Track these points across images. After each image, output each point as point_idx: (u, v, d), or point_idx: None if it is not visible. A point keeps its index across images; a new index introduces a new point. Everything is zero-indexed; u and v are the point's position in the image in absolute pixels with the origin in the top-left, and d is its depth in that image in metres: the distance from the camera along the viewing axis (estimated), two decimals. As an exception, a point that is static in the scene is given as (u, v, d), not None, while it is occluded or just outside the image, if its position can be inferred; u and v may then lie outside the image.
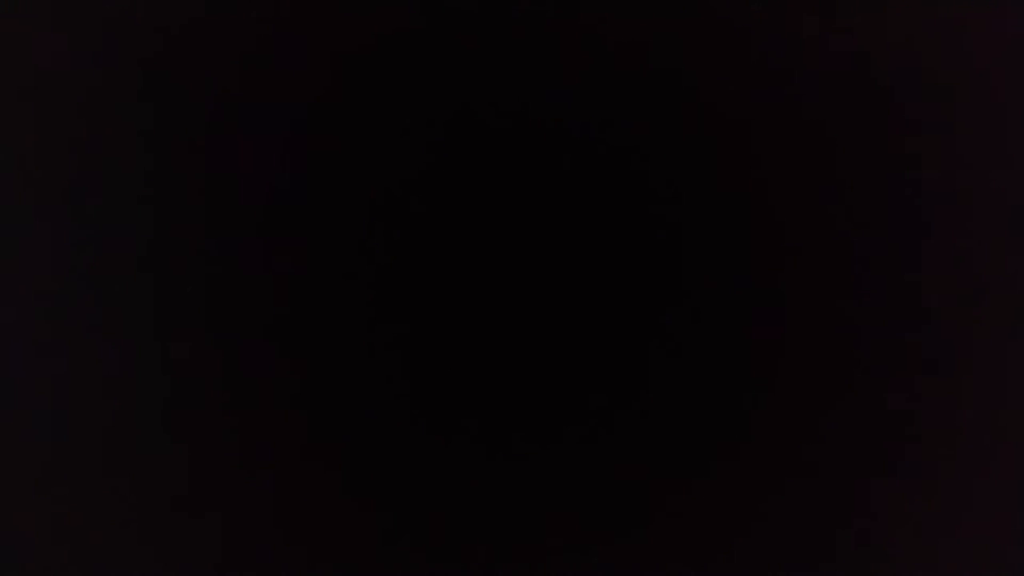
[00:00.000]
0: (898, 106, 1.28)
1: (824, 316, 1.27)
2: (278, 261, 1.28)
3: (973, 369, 1.27)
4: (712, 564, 1.26)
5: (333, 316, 1.28)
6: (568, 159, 1.28)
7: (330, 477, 1.27)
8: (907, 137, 1.28)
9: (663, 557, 1.26)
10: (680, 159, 1.28)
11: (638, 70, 1.29)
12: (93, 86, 1.29)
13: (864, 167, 1.28)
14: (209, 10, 1.29)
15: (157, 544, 1.27)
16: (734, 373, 1.27)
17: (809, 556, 1.26)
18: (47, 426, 1.27)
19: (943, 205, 1.28)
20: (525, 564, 1.27)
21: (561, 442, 1.27)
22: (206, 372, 1.27)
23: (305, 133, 1.29)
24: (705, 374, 1.27)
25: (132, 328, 1.28)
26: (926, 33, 1.29)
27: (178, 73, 1.29)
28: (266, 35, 1.29)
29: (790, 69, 1.29)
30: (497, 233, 1.28)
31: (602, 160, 1.28)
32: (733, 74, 1.29)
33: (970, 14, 1.29)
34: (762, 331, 1.27)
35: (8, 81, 1.29)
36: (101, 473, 1.27)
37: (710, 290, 1.27)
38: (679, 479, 1.26)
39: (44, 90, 1.30)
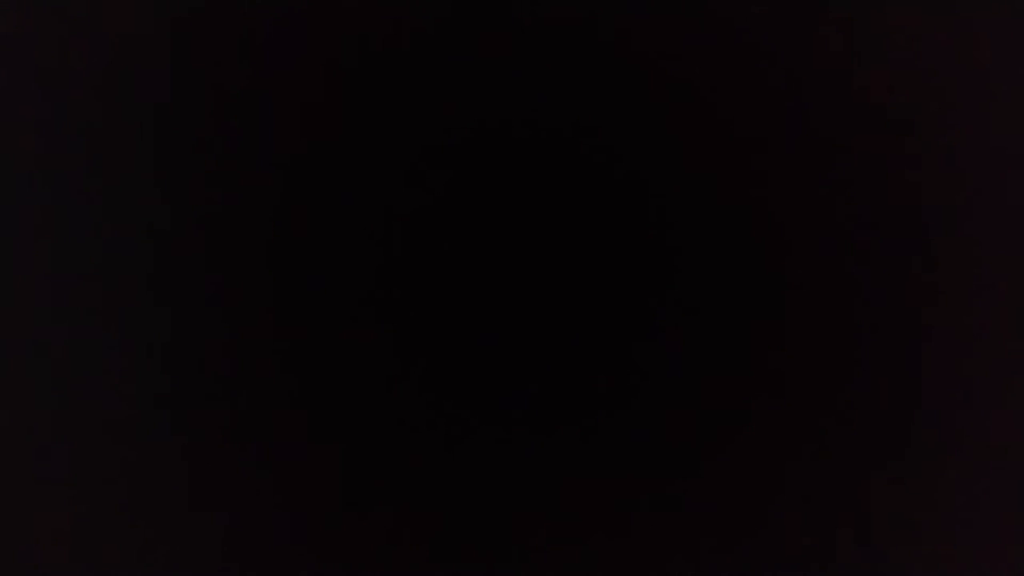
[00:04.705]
0: (898, 107, 1.29)
1: (824, 316, 1.27)
2: (279, 261, 1.28)
3: (973, 369, 1.27)
4: (712, 564, 1.26)
5: (334, 316, 1.28)
6: (568, 160, 1.28)
7: (330, 476, 1.27)
8: (907, 137, 1.28)
9: (663, 556, 1.27)
10: (680, 160, 1.28)
11: (638, 71, 1.29)
12: (93, 86, 1.30)
13: (864, 168, 1.28)
14: (211, 12, 1.29)
15: (157, 543, 1.27)
16: (734, 372, 1.27)
17: (809, 556, 1.26)
18: (48, 425, 1.28)
19: (943, 205, 1.28)
20: (525, 563, 1.27)
21: (562, 441, 1.27)
22: (207, 373, 1.27)
23: (307, 134, 1.29)
24: (705, 374, 1.27)
25: (133, 328, 1.28)
26: (926, 33, 1.29)
27: (180, 74, 1.29)
28: (267, 37, 1.30)
29: (790, 70, 1.29)
30: (498, 234, 1.28)
31: (602, 161, 1.28)
32: (733, 75, 1.29)
33: (970, 14, 1.29)
34: (762, 331, 1.27)
35: (8, 81, 1.29)
36: (101, 472, 1.27)
37: (710, 290, 1.27)
38: (679, 479, 1.27)
39: (44, 90, 1.30)
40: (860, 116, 1.28)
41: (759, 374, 1.27)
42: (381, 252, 1.28)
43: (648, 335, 1.27)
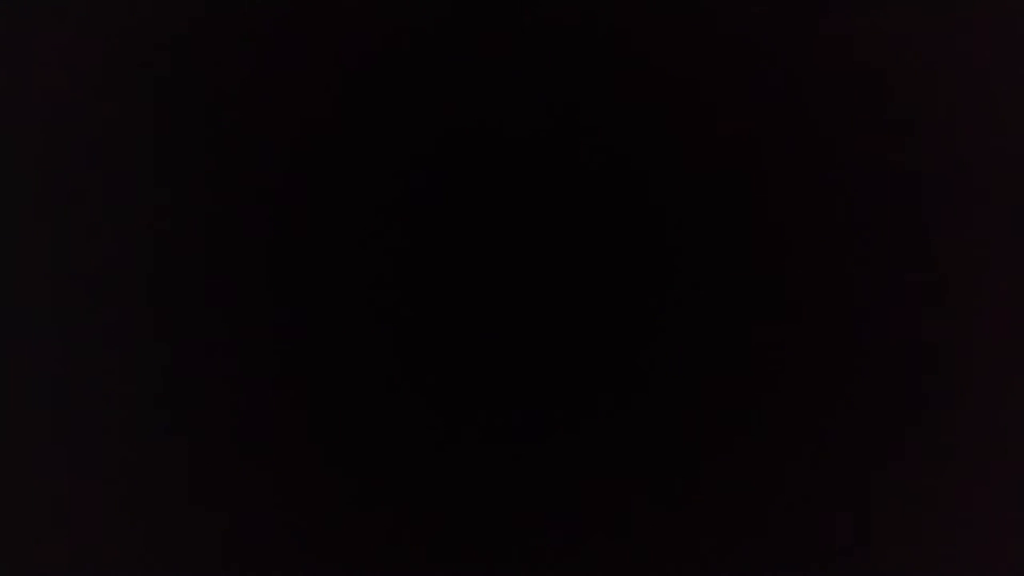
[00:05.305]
0: (898, 106, 1.28)
1: (824, 316, 1.27)
2: (279, 262, 1.28)
3: (973, 369, 1.27)
4: (712, 564, 1.26)
5: (334, 317, 1.28)
6: (568, 160, 1.28)
7: (330, 477, 1.27)
8: (907, 137, 1.28)
9: (663, 557, 1.26)
10: (681, 160, 1.28)
11: (638, 71, 1.29)
12: (94, 86, 1.30)
13: (864, 167, 1.28)
14: (211, 13, 1.29)
15: (158, 544, 1.27)
16: (734, 372, 1.27)
17: (809, 556, 1.26)
18: (47, 425, 1.28)
19: (943, 205, 1.28)
20: (525, 564, 1.27)
21: (562, 441, 1.27)
22: (208, 373, 1.27)
23: (307, 135, 1.29)
24: (704, 374, 1.27)
25: (134, 328, 1.28)
26: (926, 33, 1.29)
27: (181, 77, 1.29)
28: (268, 38, 1.30)
29: (790, 70, 1.29)
30: (499, 235, 1.28)
31: (603, 162, 1.28)
32: (734, 75, 1.29)
33: (970, 14, 1.29)
34: (762, 331, 1.27)
35: (8, 81, 1.29)
36: (101, 472, 1.27)
37: (711, 290, 1.27)
38: (678, 479, 1.27)
39: (44, 90, 1.30)
40: (860, 116, 1.28)
41: (759, 374, 1.27)
42: (382, 252, 1.28)
43: (648, 335, 1.27)
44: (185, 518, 1.27)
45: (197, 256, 1.28)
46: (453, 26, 1.29)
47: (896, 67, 1.29)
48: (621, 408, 1.27)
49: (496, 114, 1.29)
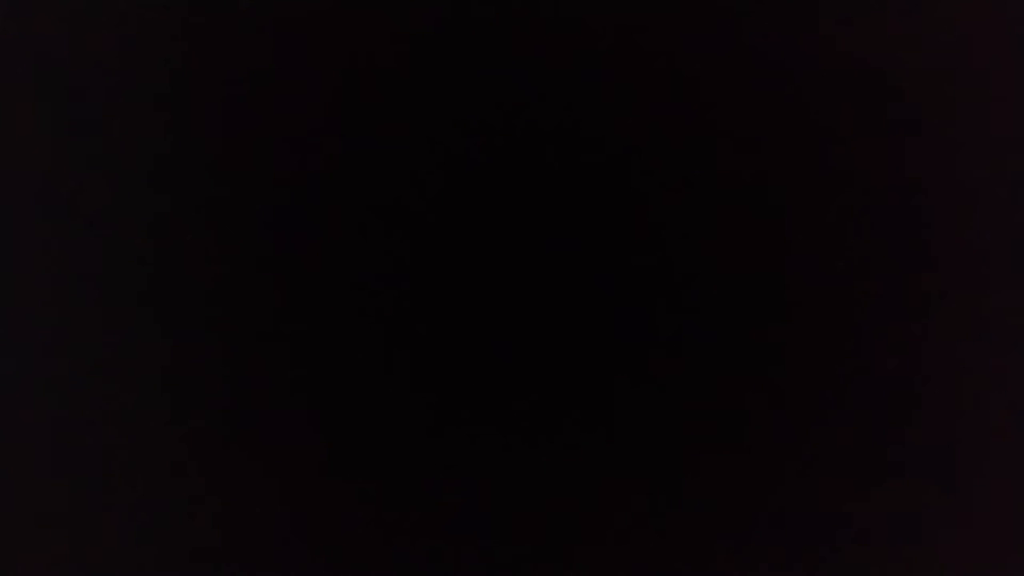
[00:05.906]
0: (898, 106, 1.29)
1: (824, 316, 1.27)
2: (280, 262, 1.28)
3: (973, 369, 1.27)
4: (711, 564, 1.26)
5: (334, 317, 1.28)
6: (571, 160, 1.28)
7: (329, 477, 1.27)
8: (907, 137, 1.28)
9: (662, 556, 1.27)
10: (682, 160, 1.28)
11: (640, 72, 1.29)
12: (95, 86, 1.30)
13: (865, 167, 1.28)
14: (214, 13, 1.29)
15: (157, 543, 1.27)
16: (733, 372, 1.27)
17: (808, 556, 1.27)
18: (47, 424, 1.28)
19: (943, 205, 1.28)
20: (525, 564, 1.27)
21: (560, 442, 1.27)
22: (208, 373, 1.27)
23: (309, 135, 1.29)
24: (705, 374, 1.27)
25: (136, 329, 1.28)
26: (926, 33, 1.29)
27: (183, 76, 1.29)
28: (271, 38, 1.30)
29: (791, 69, 1.29)
30: (499, 235, 1.28)
31: (605, 162, 1.28)
32: (734, 75, 1.29)
33: (970, 14, 1.30)
34: (762, 331, 1.27)
35: (8, 81, 1.29)
36: (101, 472, 1.27)
37: (710, 290, 1.27)
38: (679, 479, 1.27)
39: (44, 90, 1.30)
40: (861, 116, 1.28)
41: (759, 374, 1.27)
42: (383, 252, 1.28)
43: (647, 335, 1.27)
44: (184, 517, 1.27)
45: (197, 256, 1.28)
46: (452, 25, 1.29)
47: (896, 67, 1.29)
48: (621, 409, 1.27)
49: (495, 113, 1.29)
